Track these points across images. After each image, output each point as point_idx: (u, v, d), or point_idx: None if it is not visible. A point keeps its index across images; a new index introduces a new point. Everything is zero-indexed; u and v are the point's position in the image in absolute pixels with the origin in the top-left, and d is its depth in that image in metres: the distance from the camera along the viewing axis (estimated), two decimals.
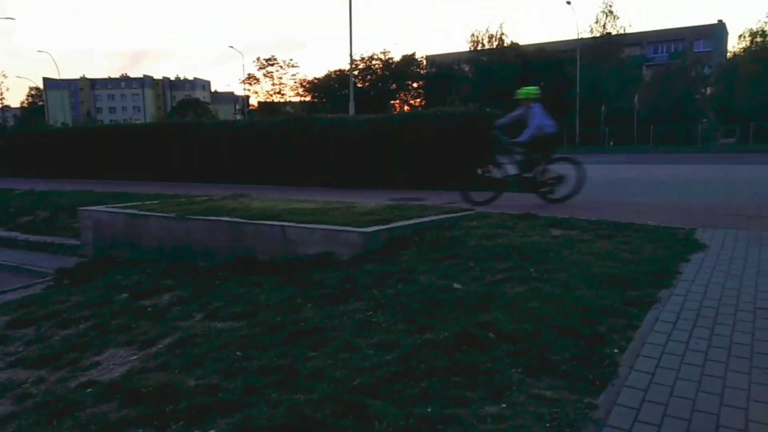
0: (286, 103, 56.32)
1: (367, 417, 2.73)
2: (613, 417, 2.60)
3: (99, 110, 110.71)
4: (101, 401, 3.37)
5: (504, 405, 2.76)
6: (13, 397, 3.62)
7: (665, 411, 2.62)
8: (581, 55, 48.54)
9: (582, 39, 52.20)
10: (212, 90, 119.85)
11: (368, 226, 6.32)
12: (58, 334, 4.83)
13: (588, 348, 3.27)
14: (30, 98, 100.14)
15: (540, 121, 8.52)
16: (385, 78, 56.43)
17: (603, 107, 46.99)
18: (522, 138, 8.53)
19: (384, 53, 55.60)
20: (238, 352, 3.83)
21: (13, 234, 9.93)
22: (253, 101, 61.90)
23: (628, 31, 57.30)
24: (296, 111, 48.36)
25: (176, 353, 3.99)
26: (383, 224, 6.49)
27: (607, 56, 51.91)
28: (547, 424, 2.58)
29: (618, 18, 63.19)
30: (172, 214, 7.64)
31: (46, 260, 8.29)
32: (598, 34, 55.71)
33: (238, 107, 74.37)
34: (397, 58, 56.19)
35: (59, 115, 79.07)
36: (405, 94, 58.58)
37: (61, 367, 4.05)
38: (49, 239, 9.26)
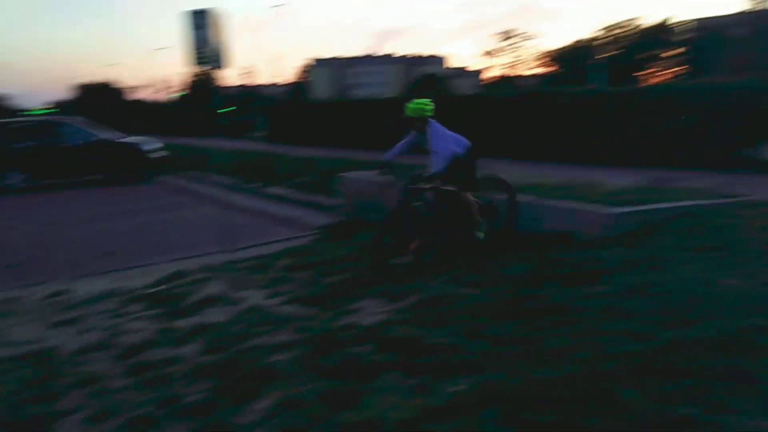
0: (523, 76, 55.04)
1: (617, 403, 2.63)
2: None
3: (351, 86, 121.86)
4: (360, 343, 3.83)
5: None
6: (293, 328, 4.32)
7: None
8: None
9: None
10: (449, 65, 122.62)
11: (617, 206, 5.93)
12: (324, 280, 5.57)
13: None
14: (299, 75, 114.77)
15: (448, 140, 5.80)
16: (636, 46, 51.30)
17: None
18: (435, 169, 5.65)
19: (635, 20, 50.49)
20: (480, 318, 3.99)
21: (286, 192, 11.65)
22: (492, 74, 61.78)
23: None
24: (533, 84, 46.94)
25: (422, 310, 4.31)
26: (634, 205, 6.02)
27: None
28: None
29: None
30: None
31: (314, 216, 9.56)
32: None
33: (474, 82, 75.07)
34: (650, 23, 50.55)
35: (321, 90, 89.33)
36: (659, 64, 52.59)
37: (328, 309, 4.68)
38: (316, 198, 10.66)
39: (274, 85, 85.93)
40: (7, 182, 13.30)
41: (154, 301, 5.10)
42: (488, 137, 15.97)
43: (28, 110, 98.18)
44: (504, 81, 53.14)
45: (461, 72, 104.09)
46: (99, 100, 73.27)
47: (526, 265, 5.19)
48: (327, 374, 3.39)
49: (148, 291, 5.44)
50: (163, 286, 5.60)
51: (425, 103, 5.77)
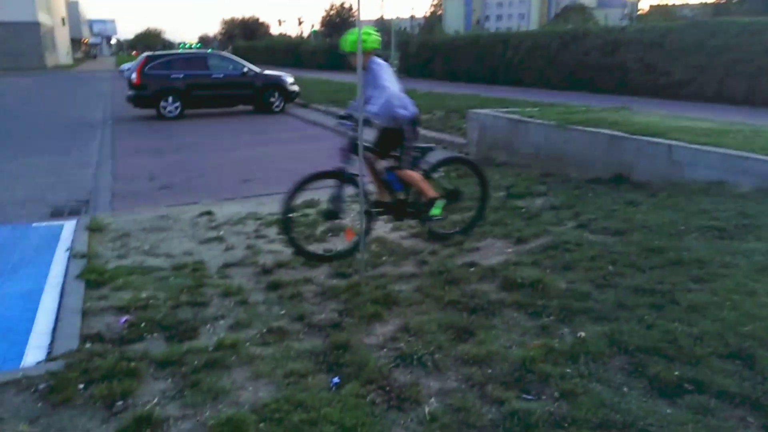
0: (682, 5, 49.07)
1: (758, 367, 2.41)
2: None
3: (487, 18, 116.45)
4: (482, 281, 3.84)
5: None
6: (414, 260, 4.41)
7: None
8: None
9: None
10: None
11: None
12: (447, 217, 5.58)
13: None
14: (432, 8, 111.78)
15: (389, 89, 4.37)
16: None
17: None
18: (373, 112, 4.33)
19: None
20: (610, 266, 3.80)
21: None
22: (644, 5, 55.76)
23: None
24: (696, 15, 41.76)
25: (548, 254, 4.19)
26: None
27: None
28: None
29: None
30: (552, 122, 7.74)
31: (441, 154, 9.55)
32: None
33: (626, 11, 68.35)
34: None
35: (454, 23, 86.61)
36: None
37: (449, 245, 4.71)
38: (441, 135, 10.57)
39: (408, 19, 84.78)
40: (164, 110, 14.63)
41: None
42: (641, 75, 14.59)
43: (182, 43, 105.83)
44: (661, 11, 47.78)
45: (609, 1, 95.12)
46: (242, 34, 77.14)
47: (671, 213, 4.80)
48: (448, 306, 3.45)
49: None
50: (294, 213, 5.93)
51: (367, 33, 4.31)
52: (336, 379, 2.68)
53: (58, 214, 6.27)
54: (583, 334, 2.95)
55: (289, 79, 16.49)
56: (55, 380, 2.65)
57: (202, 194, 7.05)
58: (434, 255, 4.50)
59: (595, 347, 2.79)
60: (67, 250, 4.82)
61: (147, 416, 2.37)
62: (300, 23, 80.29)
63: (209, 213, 5.99)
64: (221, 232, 5.33)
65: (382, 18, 65.62)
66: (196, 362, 2.85)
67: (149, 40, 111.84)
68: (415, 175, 4.63)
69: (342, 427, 2.29)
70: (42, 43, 48.60)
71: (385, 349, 2.98)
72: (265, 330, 3.25)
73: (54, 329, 3.38)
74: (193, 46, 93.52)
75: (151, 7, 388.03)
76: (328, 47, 41.03)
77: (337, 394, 2.54)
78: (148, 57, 15.35)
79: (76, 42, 78.21)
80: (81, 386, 2.62)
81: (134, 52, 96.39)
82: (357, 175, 4.09)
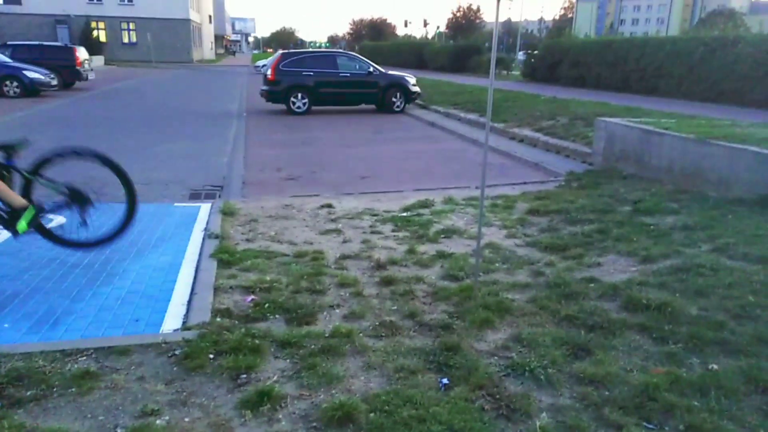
0: None
1: None
2: None
3: (622, 22, 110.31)
4: (602, 298, 3.66)
5: None
6: (529, 270, 4.31)
7: None
8: None
9: None
10: None
11: None
12: (565, 228, 5.38)
13: None
14: (563, 11, 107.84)
15: None
16: None
17: None
18: None
19: None
20: (750, 297, 3.47)
21: (536, 135, 11.34)
22: None
23: None
24: None
25: (678, 277, 3.91)
26: None
27: None
28: None
29: None
30: (690, 135, 7.18)
31: (560, 162, 9.21)
32: None
33: None
34: None
35: (585, 27, 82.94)
36: None
37: (567, 258, 4.54)
38: (564, 143, 10.19)
39: (536, 21, 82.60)
40: (293, 105, 15.43)
41: (402, 225, 5.53)
42: None
43: (312, 42, 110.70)
44: None
45: (765, 7, 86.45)
46: (370, 34, 79.25)
47: None
48: (564, 321, 3.33)
49: (398, 215, 5.90)
50: (410, 212, 6.02)
51: None
52: (445, 380, 2.70)
53: (195, 196, 6.84)
54: (715, 366, 2.72)
55: (411, 80, 16.72)
56: (189, 348, 2.91)
57: (323, 187, 7.36)
58: (551, 266, 4.36)
59: (729, 382, 2.57)
60: (204, 230, 5.25)
61: (268, 391, 2.54)
62: (425, 25, 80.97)
63: (329, 206, 6.24)
64: (339, 225, 5.54)
65: (509, 20, 64.43)
66: (313, 346, 3.00)
67: (283, 38, 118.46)
68: None
69: (450, 429, 2.30)
70: (191, 38, 53.13)
71: (495, 357, 2.95)
72: (377, 323, 3.34)
73: (189, 301, 3.70)
74: (322, 45, 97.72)
75: (288, 6, 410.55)
76: (452, 49, 40.98)
77: (446, 395, 2.56)
78: (283, 54, 16.29)
79: (219, 38, 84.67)
80: (211, 356, 2.86)
81: (269, 50, 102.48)
82: None
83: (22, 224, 3.82)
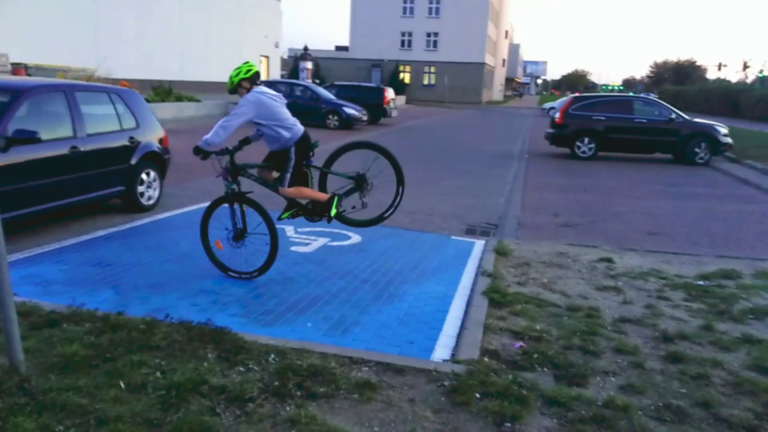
0: None
1: None
2: None
3: None
4: None
5: None
6: None
7: None
8: None
9: None
10: None
11: None
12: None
13: None
14: None
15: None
16: None
17: None
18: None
19: None
20: None
21: None
22: None
23: None
24: None
25: None
26: None
27: None
28: None
29: None
30: None
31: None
32: None
33: None
34: None
35: None
36: None
37: None
38: None
39: None
40: (578, 150, 14.93)
41: (698, 295, 4.83)
42: None
43: (605, 86, 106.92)
44: None
45: None
46: (673, 78, 72.68)
47: None
48: None
49: (693, 282, 5.18)
50: (708, 282, 5.23)
51: (241, 70, 4.59)
52: None
53: (471, 232, 7.08)
54: None
55: (723, 130, 14.72)
56: (457, 382, 2.98)
57: (603, 239, 6.91)
58: None
59: None
60: (477, 266, 5.39)
61: None
62: (745, 68, 70.39)
63: (609, 260, 5.82)
64: (619, 283, 5.11)
65: None
66: (583, 412, 2.78)
67: (573, 81, 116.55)
68: (300, 192, 4.73)
69: None
70: (482, 81, 56.07)
71: None
72: (660, 404, 2.95)
73: (459, 334, 3.81)
74: (615, 89, 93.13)
75: (583, 49, 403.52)
76: None
77: None
78: (575, 98, 15.99)
79: (509, 80, 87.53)
80: (477, 395, 2.88)
81: (556, 92, 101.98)
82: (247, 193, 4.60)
83: (333, 211, 4.71)
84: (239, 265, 4.62)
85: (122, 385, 2.73)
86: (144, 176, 6.87)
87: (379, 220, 4.94)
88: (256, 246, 4.57)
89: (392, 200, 4.86)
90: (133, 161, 6.69)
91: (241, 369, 3.00)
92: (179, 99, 20.24)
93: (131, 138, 6.68)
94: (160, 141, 7.27)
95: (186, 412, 2.55)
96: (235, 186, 4.58)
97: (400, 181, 4.80)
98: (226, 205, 4.64)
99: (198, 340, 3.26)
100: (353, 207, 4.76)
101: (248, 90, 4.52)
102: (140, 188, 6.83)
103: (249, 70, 4.54)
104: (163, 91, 20.00)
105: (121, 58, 22.17)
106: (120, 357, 3.00)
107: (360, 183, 4.77)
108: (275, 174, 4.72)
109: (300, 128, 4.66)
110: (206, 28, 31.11)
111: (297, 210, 4.82)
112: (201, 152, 4.39)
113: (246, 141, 4.69)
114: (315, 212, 4.81)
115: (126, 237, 5.76)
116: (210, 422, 2.48)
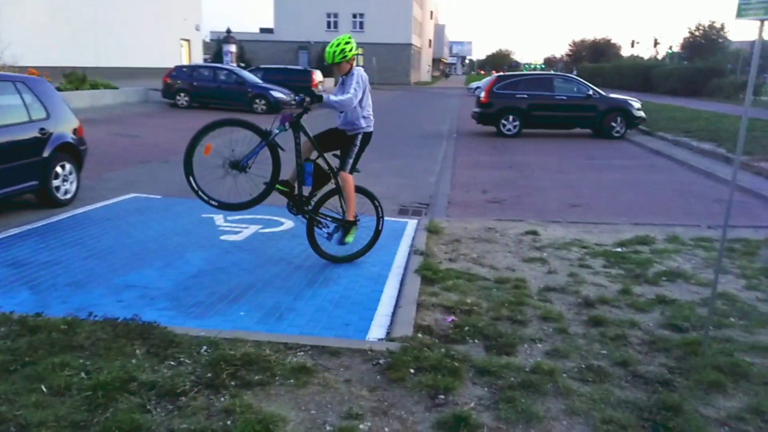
0: None
1: None
2: None
3: None
4: None
5: None
6: None
7: None
8: None
9: None
10: None
11: None
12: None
13: None
14: None
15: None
16: None
17: None
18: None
19: None
20: None
21: None
22: None
23: None
24: None
25: None
26: None
27: None
28: None
29: None
30: None
31: None
32: None
33: None
34: None
35: None
36: None
37: None
38: None
39: None
40: (503, 128, 15.34)
41: (616, 261, 5.12)
42: None
43: (527, 64, 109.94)
44: None
45: None
46: (590, 56, 75.72)
47: None
48: None
49: (612, 249, 5.48)
50: (626, 248, 5.55)
51: (344, 42, 4.77)
52: None
53: (404, 212, 7.17)
54: None
55: (636, 104, 15.52)
56: (392, 359, 3.03)
57: (528, 213, 7.17)
58: None
59: None
60: (410, 246, 5.47)
61: (465, 417, 2.52)
62: (656, 44, 74.48)
63: (534, 233, 6.05)
64: (544, 254, 5.33)
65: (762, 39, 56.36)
66: (512, 379, 2.91)
67: (498, 60, 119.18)
68: (352, 187, 4.76)
69: None
70: (410, 62, 56.35)
71: (726, 427, 2.55)
72: (583, 365, 3.12)
73: (393, 313, 3.87)
74: (537, 67, 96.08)
75: (505, 29, 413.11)
76: (687, 71, 37.17)
77: None
78: (498, 77, 16.37)
79: (436, 61, 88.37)
80: (411, 371, 2.94)
81: (482, 72, 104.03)
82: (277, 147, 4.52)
83: (350, 237, 4.82)
84: (214, 192, 4.37)
85: (44, 389, 2.60)
86: (59, 169, 6.49)
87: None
88: (241, 186, 4.37)
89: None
90: (46, 154, 6.29)
91: (172, 363, 2.93)
92: (95, 86, 19.13)
93: (42, 129, 6.27)
94: (75, 131, 6.87)
95: (114, 411, 2.47)
96: (278, 133, 4.59)
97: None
98: (259, 139, 4.51)
99: (124, 337, 3.15)
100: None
101: (351, 66, 4.68)
102: (55, 182, 6.44)
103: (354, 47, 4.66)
104: (76, 79, 18.84)
105: (29, 43, 20.63)
106: (40, 360, 2.85)
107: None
108: (314, 154, 4.74)
109: (372, 123, 4.76)
110: (122, 12, 29.48)
111: (292, 193, 4.70)
112: (303, 104, 4.58)
113: (306, 110, 4.71)
114: (299, 205, 4.70)
115: (42, 234, 5.44)
116: (141, 419, 2.42)
